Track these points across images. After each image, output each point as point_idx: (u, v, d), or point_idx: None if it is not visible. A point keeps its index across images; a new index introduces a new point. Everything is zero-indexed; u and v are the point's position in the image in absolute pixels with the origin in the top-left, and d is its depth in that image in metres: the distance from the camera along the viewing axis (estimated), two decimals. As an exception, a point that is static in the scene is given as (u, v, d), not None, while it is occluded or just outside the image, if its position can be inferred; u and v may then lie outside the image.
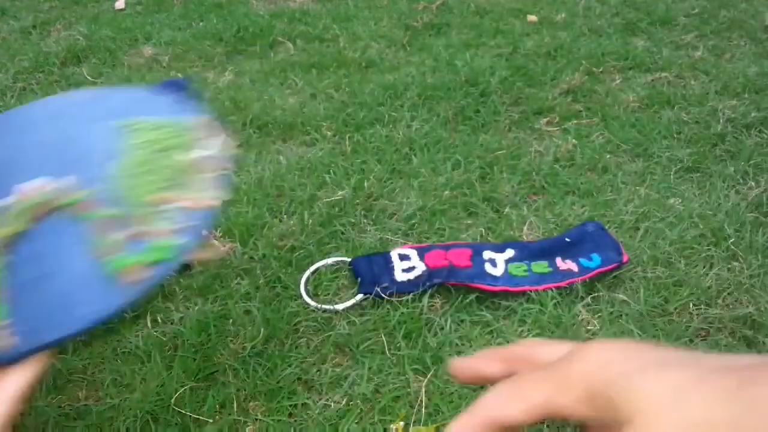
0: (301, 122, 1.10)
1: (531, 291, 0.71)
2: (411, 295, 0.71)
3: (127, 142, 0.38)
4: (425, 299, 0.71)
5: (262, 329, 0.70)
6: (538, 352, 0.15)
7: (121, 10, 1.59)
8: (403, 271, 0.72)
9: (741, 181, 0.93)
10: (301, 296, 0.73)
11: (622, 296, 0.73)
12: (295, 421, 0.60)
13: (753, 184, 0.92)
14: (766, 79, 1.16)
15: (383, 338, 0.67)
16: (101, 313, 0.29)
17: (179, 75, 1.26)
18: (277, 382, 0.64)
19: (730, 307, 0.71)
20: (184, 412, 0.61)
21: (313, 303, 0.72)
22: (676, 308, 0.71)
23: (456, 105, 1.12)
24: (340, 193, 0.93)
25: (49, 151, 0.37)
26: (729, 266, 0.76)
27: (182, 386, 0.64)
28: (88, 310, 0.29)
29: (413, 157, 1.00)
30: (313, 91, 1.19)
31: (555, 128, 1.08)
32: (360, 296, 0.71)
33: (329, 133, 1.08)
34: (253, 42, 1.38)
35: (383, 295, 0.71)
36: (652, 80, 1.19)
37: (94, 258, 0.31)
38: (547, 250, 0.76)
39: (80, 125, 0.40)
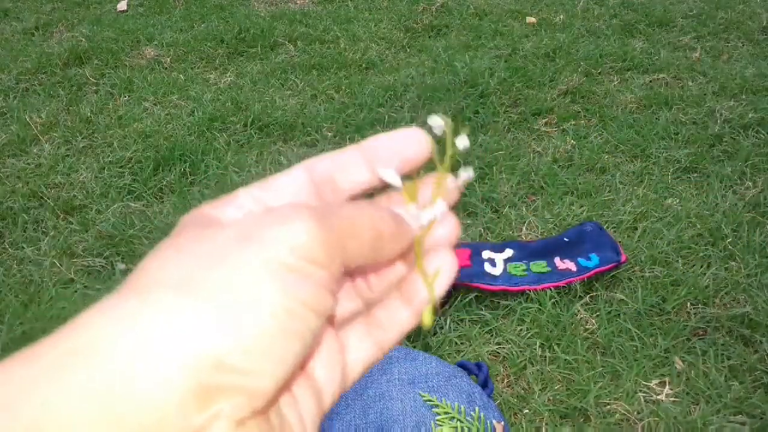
0: (302, 123, 1.11)
1: (530, 290, 0.72)
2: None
3: (431, 418, 0.41)
4: (425, 298, 0.71)
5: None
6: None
7: (123, 11, 1.59)
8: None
9: (738, 181, 0.93)
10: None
11: (620, 295, 0.73)
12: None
13: (750, 184, 0.92)
14: (763, 80, 1.17)
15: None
16: None
17: (181, 76, 1.27)
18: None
19: (728, 306, 0.72)
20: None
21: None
22: (673, 307, 0.72)
23: (455, 106, 1.13)
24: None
25: (353, 396, 0.40)
26: (726, 266, 0.76)
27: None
28: None
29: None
30: (314, 92, 1.20)
31: (553, 129, 1.08)
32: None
33: (330, 133, 1.09)
34: (254, 43, 1.38)
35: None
36: (650, 81, 1.20)
37: None
38: (545, 250, 0.77)
39: (393, 384, 0.43)
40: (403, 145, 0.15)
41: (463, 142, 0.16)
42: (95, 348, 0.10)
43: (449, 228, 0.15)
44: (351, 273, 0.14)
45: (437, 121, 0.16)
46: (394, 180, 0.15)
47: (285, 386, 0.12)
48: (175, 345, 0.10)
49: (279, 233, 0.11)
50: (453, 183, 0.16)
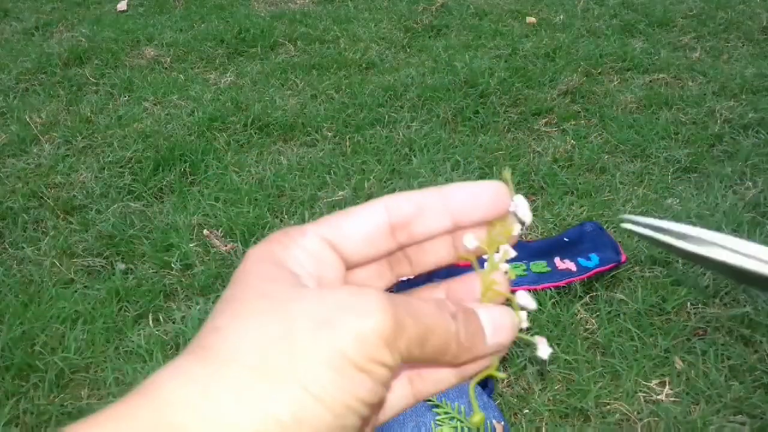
0: (302, 123, 1.11)
1: (530, 290, 0.72)
2: (411, 295, 0.71)
3: (430, 419, 0.41)
4: (425, 298, 0.71)
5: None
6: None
7: (123, 11, 1.59)
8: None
9: (738, 181, 0.93)
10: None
11: (620, 295, 0.73)
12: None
13: (750, 184, 0.92)
14: (763, 80, 1.17)
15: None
16: None
17: (181, 76, 1.27)
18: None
19: (728, 306, 0.72)
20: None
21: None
22: (673, 307, 0.72)
23: (455, 106, 1.13)
24: (340, 193, 0.93)
25: None
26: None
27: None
28: None
29: (413, 157, 1.00)
30: (314, 92, 1.20)
31: (553, 129, 1.08)
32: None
33: (330, 133, 1.09)
34: (254, 43, 1.38)
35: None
36: (650, 81, 1.20)
37: None
38: (545, 250, 0.77)
39: None
40: (485, 197, 0.15)
41: (523, 211, 0.15)
42: (181, 417, 0.11)
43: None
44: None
45: (521, 202, 0.15)
46: (473, 243, 0.15)
47: None
48: (247, 418, 0.11)
49: (352, 326, 0.12)
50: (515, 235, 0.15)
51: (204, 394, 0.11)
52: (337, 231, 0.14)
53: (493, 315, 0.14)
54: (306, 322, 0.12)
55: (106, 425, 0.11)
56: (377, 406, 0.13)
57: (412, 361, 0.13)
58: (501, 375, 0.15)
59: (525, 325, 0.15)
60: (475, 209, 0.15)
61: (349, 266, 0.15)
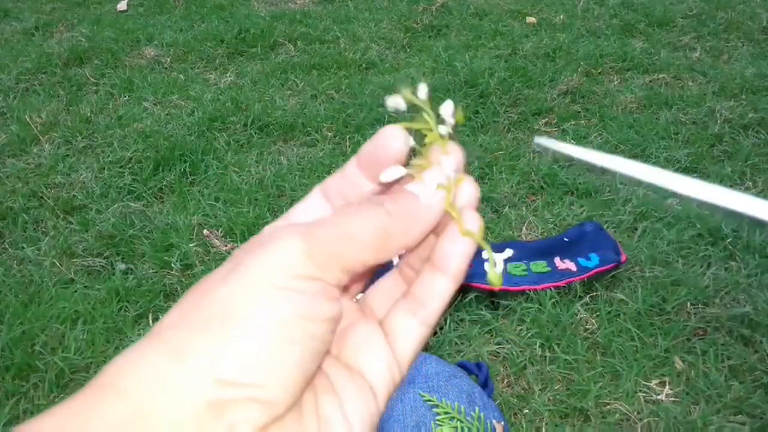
0: (302, 123, 1.11)
1: (530, 290, 0.72)
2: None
3: (431, 418, 0.41)
4: (425, 298, 0.71)
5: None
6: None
7: (123, 11, 1.59)
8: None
9: (738, 181, 0.93)
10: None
11: (620, 296, 0.73)
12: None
13: (750, 184, 0.92)
14: (763, 80, 1.17)
15: (383, 337, 0.67)
16: None
17: (181, 76, 1.27)
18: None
19: (728, 306, 0.72)
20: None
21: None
22: (673, 307, 0.72)
23: (455, 106, 1.13)
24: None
25: None
26: (726, 266, 0.76)
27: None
28: None
29: (413, 157, 1.00)
30: (314, 92, 1.20)
31: (553, 129, 1.08)
32: (360, 296, 0.72)
33: (330, 133, 1.09)
34: (254, 43, 1.38)
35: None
36: (650, 81, 1.20)
37: None
38: (545, 250, 0.77)
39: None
40: (388, 144, 0.15)
41: (447, 111, 0.15)
42: (118, 382, 0.12)
43: (468, 189, 0.15)
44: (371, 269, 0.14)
45: (448, 109, 0.15)
46: (399, 173, 0.15)
47: (302, 390, 0.12)
48: (183, 372, 0.11)
49: (268, 256, 0.12)
50: (446, 121, 0.15)
51: (139, 359, 0.12)
52: (289, 221, 0.15)
53: (430, 175, 0.14)
54: (222, 274, 0.12)
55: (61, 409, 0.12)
56: (324, 321, 0.12)
57: (356, 265, 0.13)
58: (497, 280, 0.15)
59: (445, 130, 0.15)
60: (384, 159, 0.15)
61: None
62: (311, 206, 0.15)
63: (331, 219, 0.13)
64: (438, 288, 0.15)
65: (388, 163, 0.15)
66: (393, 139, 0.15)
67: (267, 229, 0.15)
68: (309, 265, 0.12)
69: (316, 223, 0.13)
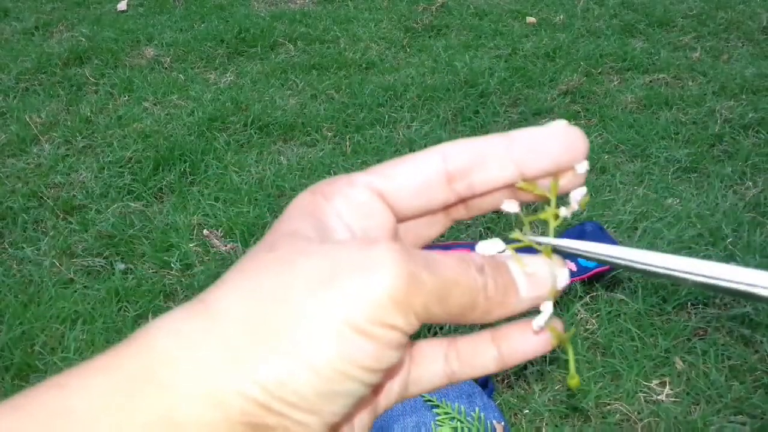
0: (302, 123, 1.11)
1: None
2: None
3: (431, 419, 0.41)
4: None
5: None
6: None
7: (123, 11, 1.59)
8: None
9: (738, 181, 0.93)
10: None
11: (620, 296, 0.73)
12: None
13: (750, 184, 0.92)
14: (763, 80, 1.17)
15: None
16: None
17: (181, 76, 1.27)
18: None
19: (728, 306, 0.72)
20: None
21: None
22: (674, 307, 0.72)
23: (455, 106, 1.13)
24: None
25: None
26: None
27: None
28: None
29: (413, 157, 1.00)
30: (314, 92, 1.20)
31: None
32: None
33: (330, 133, 1.09)
34: (254, 43, 1.38)
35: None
36: (650, 81, 1.20)
37: None
38: (545, 250, 0.77)
39: None
40: (555, 142, 0.13)
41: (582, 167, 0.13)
42: (163, 371, 0.10)
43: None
44: None
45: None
46: (497, 248, 0.13)
47: (336, 428, 0.12)
48: (230, 378, 0.10)
49: (358, 286, 0.11)
50: (571, 205, 0.14)
51: (189, 348, 0.11)
52: (389, 180, 0.13)
53: (529, 264, 0.13)
54: (307, 279, 0.11)
55: (92, 374, 0.11)
56: (388, 371, 0.11)
57: (433, 320, 0.11)
58: (575, 381, 0.13)
59: (564, 281, 0.13)
60: (544, 158, 0.13)
61: (401, 218, 0.13)
62: (423, 170, 0.13)
63: (438, 265, 0.11)
64: (483, 362, 0.14)
65: (549, 161, 0.13)
66: (571, 139, 0.13)
67: (361, 177, 0.13)
68: (397, 314, 0.11)
69: (424, 261, 0.11)
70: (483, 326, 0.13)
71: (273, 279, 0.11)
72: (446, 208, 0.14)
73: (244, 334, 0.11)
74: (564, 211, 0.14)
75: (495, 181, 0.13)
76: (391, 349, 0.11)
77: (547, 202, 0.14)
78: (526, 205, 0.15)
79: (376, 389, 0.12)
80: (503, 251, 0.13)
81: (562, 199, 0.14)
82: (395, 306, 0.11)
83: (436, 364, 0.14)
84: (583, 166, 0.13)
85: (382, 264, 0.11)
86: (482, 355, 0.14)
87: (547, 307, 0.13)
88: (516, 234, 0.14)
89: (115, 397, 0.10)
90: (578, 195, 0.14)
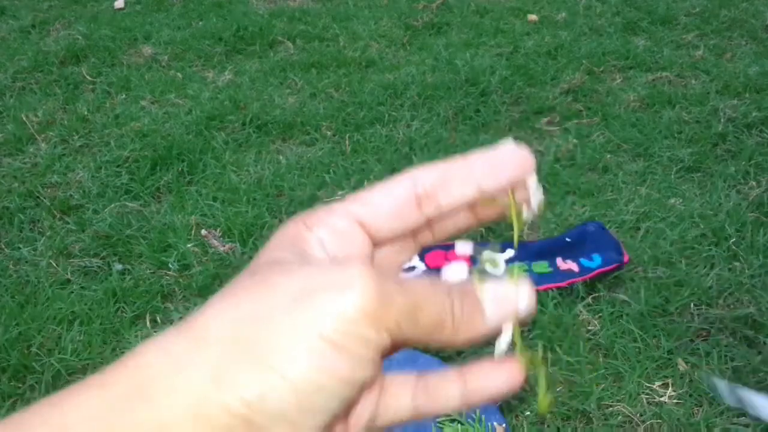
0: (301, 122, 1.10)
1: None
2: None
3: (432, 421, 0.41)
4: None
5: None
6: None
7: (120, 9, 1.58)
8: (403, 270, 0.72)
9: (742, 180, 0.92)
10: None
11: (622, 296, 0.72)
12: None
13: (754, 183, 0.91)
14: (767, 78, 1.16)
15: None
16: None
17: (179, 75, 1.26)
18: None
19: (731, 307, 0.71)
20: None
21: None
22: (677, 308, 0.71)
23: (456, 104, 1.12)
24: (340, 193, 0.92)
25: None
26: (730, 266, 0.76)
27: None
28: None
29: (413, 156, 0.99)
30: (313, 91, 1.19)
31: (555, 128, 1.07)
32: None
33: (329, 132, 1.08)
34: (252, 41, 1.37)
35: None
36: (653, 80, 1.19)
37: None
38: (547, 250, 0.76)
39: None
40: (508, 162, 0.14)
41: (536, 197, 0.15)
42: (153, 388, 0.11)
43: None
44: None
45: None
46: (462, 272, 0.14)
47: None
48: (215, 394, 0.11)
49: (331, 302, 0.11)
50: (530, 210, 0.15)
51: (177, 367, 0.12)
52: (365, 207, 0.14)
53: (495, 288, 0.14)
54: (283, 298, 0.12)
55: (87, 392, 0.12)
56: (362, 386, 0.12)
57: (404, 338, 0.12)
58: (544, 406, 0.13)
59: (527, 306, 0.14)
60: (500, 174, 0.14)
61: (377, 242, 0.15)
62: (394, 194, 0.14)
63: (408, 285, 0.12)
64: (446, 398, 0.14)
65: (505, 178, 0.14)
66: (519, 158, 0.14)
67: (338, 206, 0.14)
68: (370, 330, 0.11)
69: (393, 281, 0.12)
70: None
71: (253, 300, 0.12)
72: (414, 234, 0.15)
73: (227, 352, 0.11)
74: (526, 214, 0.15)
75: (459, 200, 0.14)
76: (365, 361, 0.12)
77: (505, 217, 0.15)
78: (485, 227, 0.15)
79: (347, 409, 0.13)
80: (470, 277, 0.14)
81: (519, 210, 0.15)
82: (368, 320, 0.11)
83: (404, 397, 0.14)
84: (533, 179, 0.15)
85: (355, 281, 0.12)
86: (447, 390, 0.14)
87: (507, 330, 0.14)
88: (483, 258, 0.14)
89: (109, 413, 0.11)
90: (536, 200, 0.15)
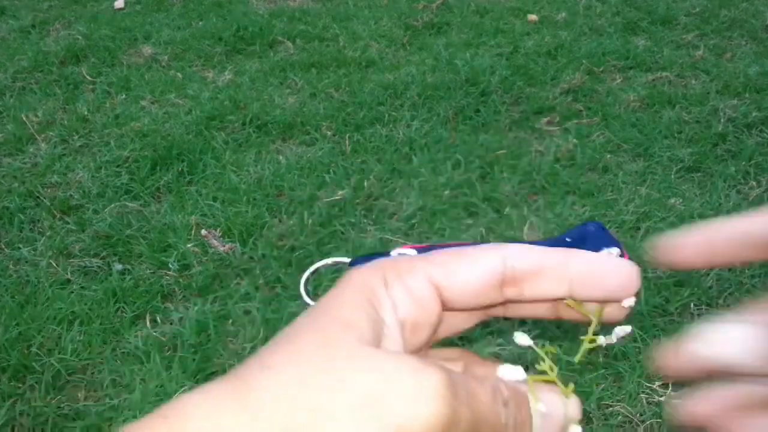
0: (301, 122, 1.10)
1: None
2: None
3: None
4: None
5: (261, 329, 0.70)
6: None
7: (120, 9, 1.58)
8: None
9: (742, 180, 0.92)
10: (301, 296, 0.72)
11: (622, 296, 0.72)
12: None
13: (754, 183, 0.91)
14: (767, 78, 1.16)
15: (383, 338, 0.67)
16: None
17: (179, 75, 1.26)
18: (277, 383, 0.63)
19: (731, 307, 0.71)
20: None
21: (313, 303, 0.72)
22: (676, 308, 0.71)
23: (456, 104, 1.12)
24: (340, 192, 0.92)
25: None
26: (730, 266, 0.76)
27: (181, 386, 0.64)
28: None
29: (413, 156, 0.99)
30: (313, 91, 1.19)
31: (555, 128, 1.07)
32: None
33: (329, 132, 1.08)
34: (252, 41, 1.37)
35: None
36: (653, 80, 1.19)
37: None
38: (547, 250, 0.76)
39: None
40: (613, 277, 0.14)
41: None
42: None
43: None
44: None
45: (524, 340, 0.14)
46: (518, 376, 0.13)
47: None
48: None
49: (399, 414, 0.11)
50: (608, 337, 0.14)
51: (222, 430, 0.11)
52: (449, 276, 0.13)
53: (546, 401, 0.13)
54: (350, 393, 0.11)
55: None
56: None
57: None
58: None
59: (575, 428, 0.13)
60: (598, 287, 0.13)
61: (447, 310, 0.14)
62: (482, 272, 0.13)
63: (472, 393, 0.11)
64: None
65: (602, 292, 0.13)
66: (625, 275, 0.13)
67: (421, 265, 0.13)
68: None
69: (462, 391, 0.11)
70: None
71: (322, 387, 0.11)
72: (487, 307, 0.15)
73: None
74: (602, 340, 0.14)
75: (545, 295, 0.14)
76: None
77: (586, 324, 0.14)
78: (557, 325, 0.14)
79: None
80: (523, 380, 0.13)
81: (603, 328, 0.14)
82: None
83: None
84: (630, 301, 0.14)
85: (428, 395, 0.11)
86: None
87: None
88: (542, 366, 0.14)
89: None
90: (621, 332, 0.14)
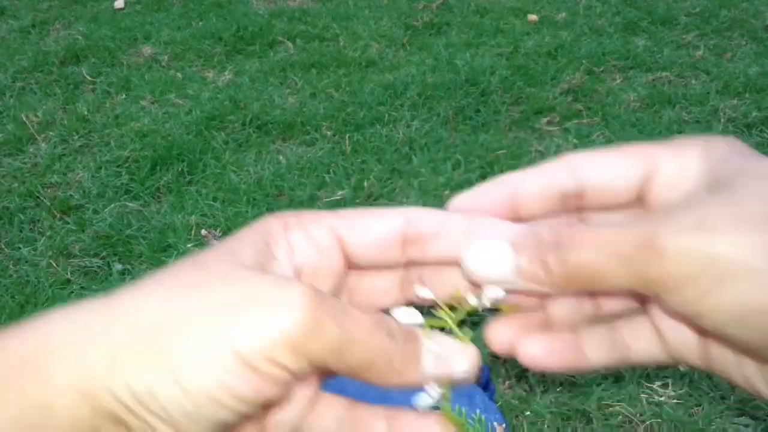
0: (301, 122, 1.10)
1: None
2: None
3: None
4: (425, 299, 0.70)
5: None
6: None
7: (120, 9, 1.58)
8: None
9: (742, 180, 0.92)
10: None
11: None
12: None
13: (754, 183, 0.91)
14: (767, 78, 1.16)
15: (383, 339, 0.67)
16: None
17: (179, 75, 1.26)
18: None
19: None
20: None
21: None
22: (676, 308, 0.71)
23: (456, 104, 1.12)
24: (340, 192, 0.93)
25: None
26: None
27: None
28: None
29: (413, 156, 0.99)
30: (313, 91, 1.19)
31: (555, 128, 1.07)
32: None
33: (329, 132, 1.08)
34: (252, 41, 1.37)
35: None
36: (653, 80, 1.19)
37: None
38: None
39: None
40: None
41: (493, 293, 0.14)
42: (46, 359, 0.11)
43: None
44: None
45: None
46: (414, 319, 0.13)
47: None
48: (105, 377, 0.11)
49: (258, 321, 0.11)
50: (487, 297, 0.14)
51: (76, 342, 0.11)
52: (350, 227, 0.13)
53: (440, 343, 0.13)
54: (213, 304, 0.11)
55: None
56: (268, 406, 0.12)
57: (327, 370, 0.12)
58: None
59: (464, 371, 0.13)
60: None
61: (352, 267, 0.14)
62: (385, 227, 0.13)
63: (344, 312, 0.11)
64: None
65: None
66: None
67: (326, 217, 0.13)
68: (289, 356, 0.11)
69: (330, 305, 0.11)
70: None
71: (184, 297, 0.11)
72: (403, 286, 0.15)
73: (132, 340, 0.11)
74: (474, 300, 0.14)
75: (446, 257, 0.14)
76: (274, 385, 0.11)
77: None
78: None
79: (248, 420, 0.12)
80: (420, 324, 0.13)
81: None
82: (289, 348, 0.11)
83: (329, 420, 0.14)
84: (494, 291, 0.14)
85: (289, 304, 0.11)
86: (373, 428, 0.13)
87: (435, 389, 0.13)
88: (440, 312, 0.14)
89: None
90: (492, 293, 0.14)
